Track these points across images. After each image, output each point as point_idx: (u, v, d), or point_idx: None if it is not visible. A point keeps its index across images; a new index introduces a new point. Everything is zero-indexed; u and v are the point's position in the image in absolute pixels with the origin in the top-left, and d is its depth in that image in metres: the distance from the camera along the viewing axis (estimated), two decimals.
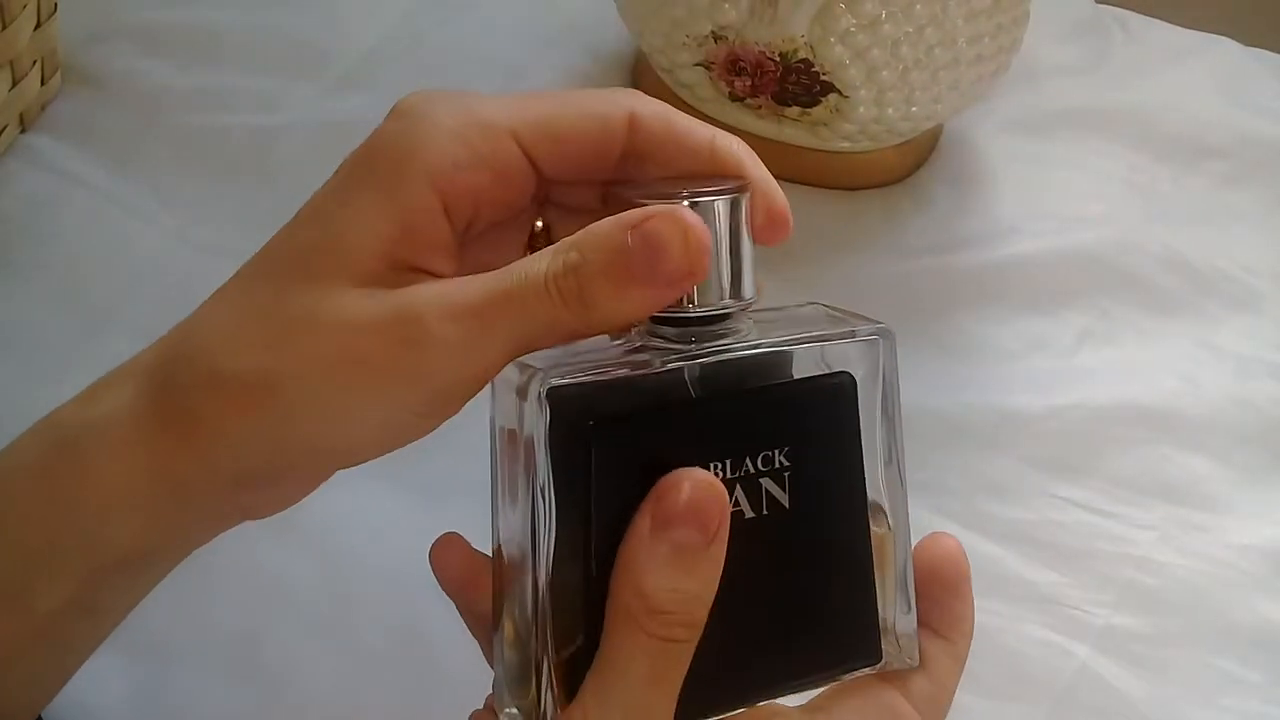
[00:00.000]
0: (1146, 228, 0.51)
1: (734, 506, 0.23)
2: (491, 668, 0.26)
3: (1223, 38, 0.60)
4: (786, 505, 0.23)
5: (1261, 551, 0.41)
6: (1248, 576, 0.41)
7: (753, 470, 0.23)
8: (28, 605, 0.24)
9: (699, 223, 0.22)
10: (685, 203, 0.22)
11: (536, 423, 0.22)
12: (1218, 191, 0.54)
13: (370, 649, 0.36)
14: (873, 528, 0.24)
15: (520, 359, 0.23)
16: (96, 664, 0.35)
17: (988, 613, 0.39)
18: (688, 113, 0.57)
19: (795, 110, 0.47)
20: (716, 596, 0.22)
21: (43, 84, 0.48)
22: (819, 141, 0.49)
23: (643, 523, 0.22)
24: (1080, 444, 0.44)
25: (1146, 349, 0.47)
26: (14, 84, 0.46)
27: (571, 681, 0.23)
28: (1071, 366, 0.46)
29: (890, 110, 0.46)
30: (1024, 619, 0.39)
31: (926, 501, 0.41)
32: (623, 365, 0.22)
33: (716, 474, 0.23)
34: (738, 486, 0.23)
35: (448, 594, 0.27)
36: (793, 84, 0.46)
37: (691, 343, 0.23)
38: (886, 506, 0.24)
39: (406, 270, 0.23)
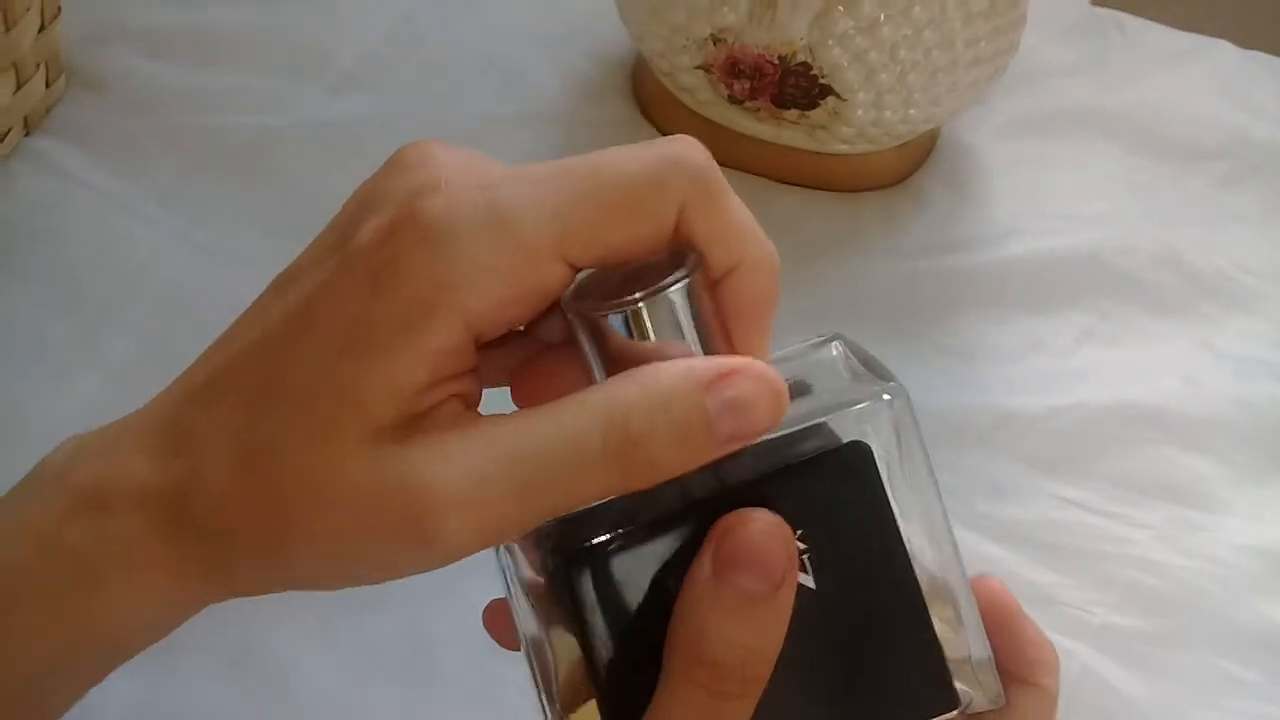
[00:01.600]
0: (1145, 228, 0.51)
1: None
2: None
3: (1220, 40, 0.60)
4: (814, 586, 0.22)
5: (1262, 552, 0.41)
6: (1248, 577, 0.41)
7: None
8: (38, 704, 0.23)
9: (778, 377, 0.20)
10: (641, 304, 0.21)
11: (515, 567, 0.22)
12: (1216, 192, 0.54)
13: (370, 650, 0.36)
14: (922, 572, 0.23)
15: None
16: None
17: None
18: (688, 116, 0.57)
19: (794, 113, 0.48)
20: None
21: (47, 87, 0.48)
22: (817, 144, 0.49)
23: (702, 566, 0.20)
24: (1080, 444, 0.44)
25: (1146, 349, 0.47)
26: (18, 87, 0.46)
27: None
28: (1071, 367, 0.46)
29: (888, 112, 0.47)
30: None
31: None
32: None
33: None
34: None
35: (497, 641, 0.27)
36: (791, 87, 0.46)
37: None
38: (931, 555, 0.23)
39: (421, 411, 0.21)
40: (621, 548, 0.21)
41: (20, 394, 0.41)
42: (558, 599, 0.21)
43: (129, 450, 0.22)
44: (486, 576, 0.31)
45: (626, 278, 0.21)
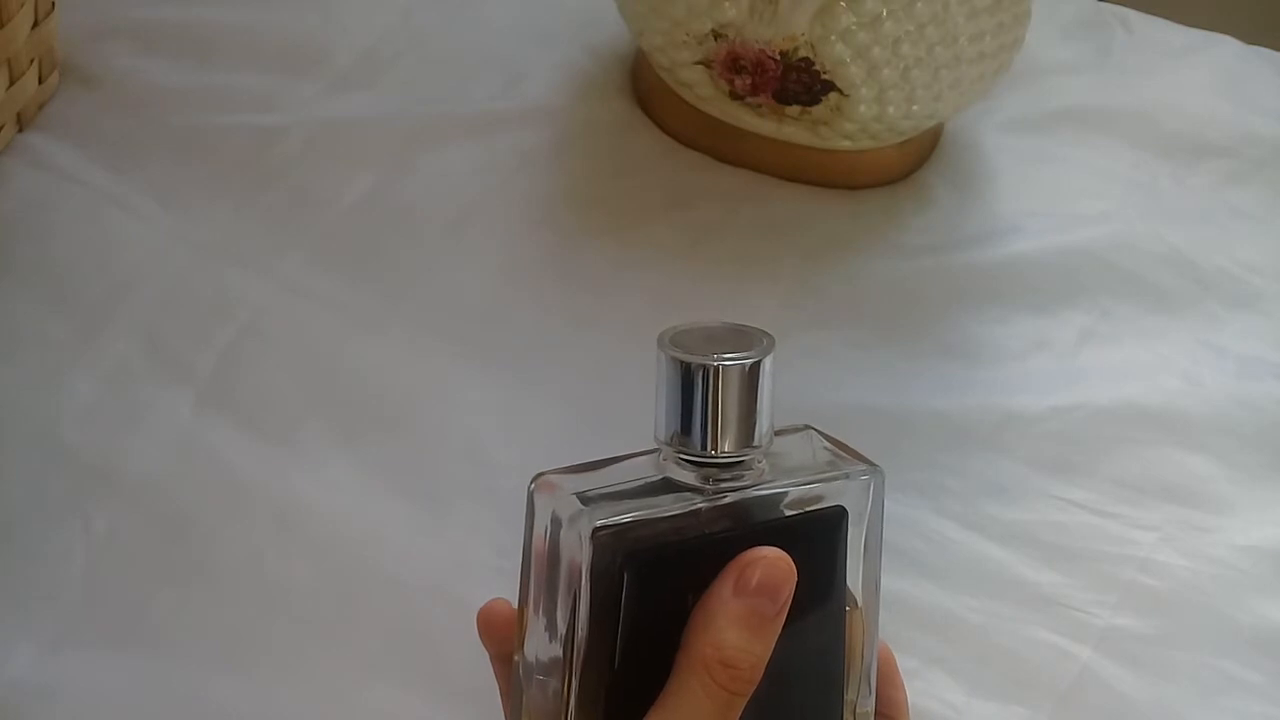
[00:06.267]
0: (1148, 226, 0.51)
1: None
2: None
3: (1224, 36, 0.60)
4: None
5: (1264, 552, 0.41)
6: (1250, 577, 0.41)
7: None
8: None
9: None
10: (715, 362, 0.25)
11: (581, 555, 0.25)
12: (1220, 190, 0.54)
13: (368, 649, 0.36)
14: (846, 614, 0.27)
15: (554, 480, 0.26)
16: (97, 662, 0.35)
17: (989, 614, 0.39)
18: (688, 112, 0.57)
19: (796, 109, 0.47)
20: None
21: (40, 83, 0.48)
22: (820, 140, 0.49)
23: (725, 587, 0.25)
24: (1082, 444, 0.43)
25: (1148, 349, 0.47)
26: (11, 83, 0.46)
27: None
28: (1073, 367, 0.46)
29: (891, 109, 0.46)
30: (1025, 620, 0.39)
31: (928, 503, 0.41)
32: (653, 505, 0.26)
33: None
34: None
35: (485, 642, 0.29)
36: (793, 82, 0.46)
37: (709, 483, 0.26)
38: (861, 605, 0.28)
39: None
40: (664, 558, 0.25)
41: (15, 394, 0.40)
42: (603, 591, 0.25)
43: None
44: (484, 576, 0.31)
45: (711, 338, 0.26)
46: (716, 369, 0.25)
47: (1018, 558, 0.40)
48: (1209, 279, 0.49)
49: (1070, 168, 0.53)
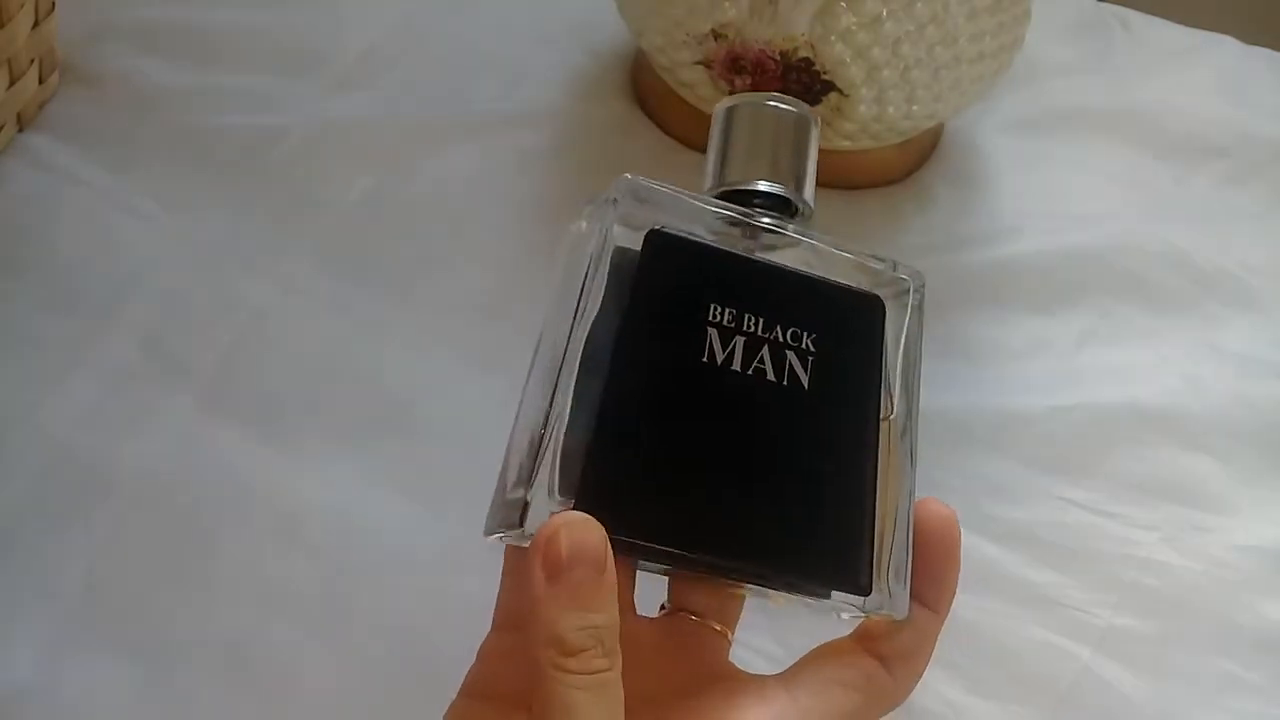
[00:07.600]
0: (1148, 227, 0.51)
1: (758, 364, 0.24)
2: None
3: (1224, 36, 0.60)
4: (805, 386, 0.25)
5: (1264, 552, 0.41)
6: (1250, 577, 0.41)
7: (780, 340, 0.25)
8: None
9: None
10: (758, 100, 0.27)
11: (607, 217, 0.24)
12: (1220, 190, 0.54)
13: (369, 650, 0.36)
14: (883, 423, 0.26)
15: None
16: (97, 663, 0.35)
17: (989, 613, 0.39)
18: (688, 112, 0.57)
19: None
20: (722, 442, 0.24)
21: (40, 83, 0.48)
22: (819, 140, 0.49)
23: (536, 575, 0.22)
24: (1082, 445, 0.43)
25: (1148, 349, 0.47)
26: (11, 83, 0.46)
27: (569, 470, 0.23)
28: (1073, 367, 0.46)
29: (891, 109, 0.46)
30: (1026, 620, 0.39)
31: None
32: (691, 198, 0.25)
33: (747, 327, 0.24)
34: (765, 346, 0.25)
35: None
36: (793, 82, 0.46)
37: (749, 217, 0.26)
38: (897, 440, 0.26)
39: None
40: (687, 246, 0.25)
41: (15, 394, 0.40)
42: (619, 262, 0.24)
43: None
44: (482, 576, 0.31)
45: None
46: (758, 105, 0.26)
47: (1018, 557, 0.40)
48: (1209, 279, 0.49)
49: (1070, 168, 0.53)
